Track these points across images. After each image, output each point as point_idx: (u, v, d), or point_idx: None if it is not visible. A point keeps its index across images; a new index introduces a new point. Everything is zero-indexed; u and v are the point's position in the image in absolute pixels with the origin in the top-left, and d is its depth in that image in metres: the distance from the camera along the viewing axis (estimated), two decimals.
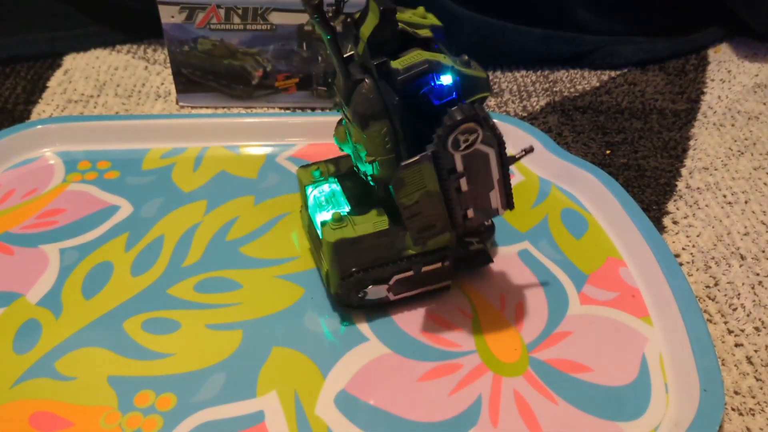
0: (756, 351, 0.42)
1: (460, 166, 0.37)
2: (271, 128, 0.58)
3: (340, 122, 0.43)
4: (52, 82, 0.66)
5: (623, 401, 0.39)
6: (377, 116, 0.38)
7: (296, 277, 0.46)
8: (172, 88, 0.66)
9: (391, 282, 0.43)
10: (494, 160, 0.37)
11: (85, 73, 0.68)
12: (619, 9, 0.72)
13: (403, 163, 0.36)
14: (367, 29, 0.37)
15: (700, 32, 0.73)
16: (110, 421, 0.37)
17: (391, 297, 0.43)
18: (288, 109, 0.64)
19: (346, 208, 0.43)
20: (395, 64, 0.37)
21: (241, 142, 0.57)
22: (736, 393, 0.40)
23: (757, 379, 0.41)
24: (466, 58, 0.38)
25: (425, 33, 0.39)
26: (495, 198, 0.39)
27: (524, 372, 0.40)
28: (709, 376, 0.39)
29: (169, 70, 0.65)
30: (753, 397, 0.40)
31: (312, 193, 0.45)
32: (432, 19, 0.41)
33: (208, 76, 0.62)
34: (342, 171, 0.46)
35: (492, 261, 0.46)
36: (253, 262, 0.47)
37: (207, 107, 0.64)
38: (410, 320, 0.43)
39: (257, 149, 0.57)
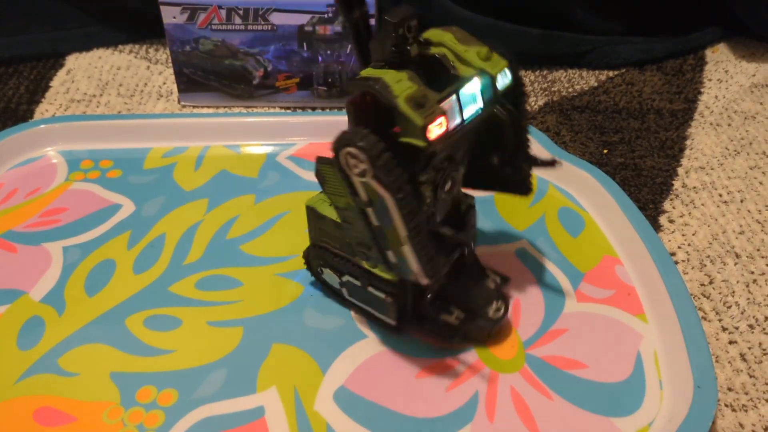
0: (750, 348, 0.43)
1: (363, 195, 0.34)
2: (271, 128, 0.58)
3: None
4: (55, 82, 0.67)
5: (618, 397, 0.39)
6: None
7: (296, 275, 0.46)
8: (174, 87, 0.66)
9: (343, 279, 0.42)
10: (394, 210, 0.33)
11: (88, 73, 0.69)
12: (617, 9, 0.73)
13: (318, 156, 0.35)
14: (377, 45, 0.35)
15: (698, 32, 0.74)
16: (113, 417, 0.38)
17: (345, 294, 0.43)
18: (288, 108, 0.64)
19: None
20: (363, 72, 0.34)
21: (242, 142, 0.58)
22: (730, 389, 0.41)
23: (751, 376, 0.41)
24: (433, 105, 0.33)
25: (465, 71, 0.36)
26: (411, 257, 0.35)
27: (521, 368, 0.41)
28: (702, 373, 0.39)
29: (171, 70, 0.66)
30: (746, 394, 0.40)
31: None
32: (494, 66, 0.37)
33: (210, 76, 0.62)
34: None
35: (451, 342, 0.42)
36: (254, 260, 0.48)
37: (208, 107, 0.64)
38: None
39: (258, 148, 0.58)
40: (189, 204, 0.52)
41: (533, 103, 0.65)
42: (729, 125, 0.62)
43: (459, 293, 0.41)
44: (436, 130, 0.33)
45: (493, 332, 0.42)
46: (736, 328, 0.44)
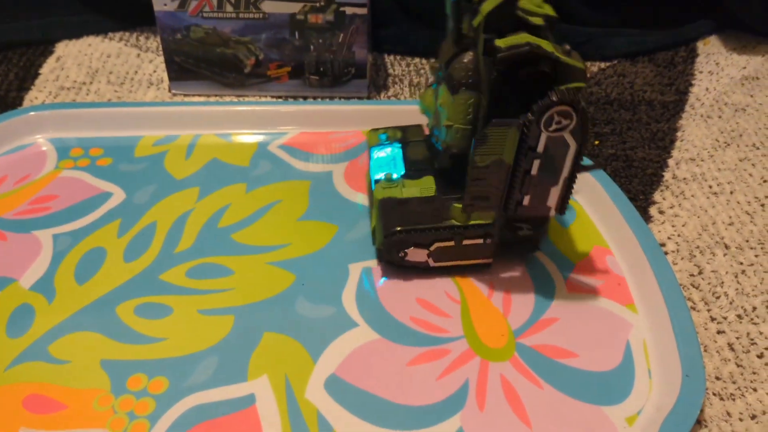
0: (738, 338, 0.43)
1: (541, 147, 0.38)
2: (263, 116, 0.58)
3: (430, 85, 0.45)
4: (45, 69, 0.67)
5: (608, 386, 0.40)
6: (469, 86, 0.40)
7: (288, 264, 0.46)
8: (165, 75, 0.66)
9: (432, 248, 0.44)
10: (571, 157, 0.39)
11: (78, 61, 0.68)
12: (610, 1, 0.73)
13: (494, 120, 0.38)
14: (488, 6, 0.37)
15: (689, 24, 0.74)
16: (103, 404, 0.38)
17: (431, 263, 0.45)
18: (280, 97, 0.64)
19: (402, 172, 0.46)
20: (499, 43, 0.37)
21: (233, 130, 0.58)
22: (718, 378, 0.41)
23: (738, 365, 0.42)
24: (568, 47, 0.38)
25: (537, 21, 0.38)
26: (553, 196, 0.40)
27: (511, 357, 0.41)
28: (691, 362, 0.39)
29: (162, 58, 0.66)
30: (734, 383, 0.41)
31: (376, 154, 0.48)
32: (547, 9, 0.40)
33: (201, 64, 0.62)
34: (408, 139, 0.49)
35: (539, 249, 0.47)
36: (245, 248, 0.48)
37: (199, 95, 0.64)
38: (400, 306, 0.44)
39: (249, 137, 0.57)
40: (180, 192, 0.52)
41: None
42: (719, 117, 0.63)
43: None
44: None
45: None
46: (725, 318, 0.44)
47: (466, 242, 0.44)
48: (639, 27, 0.73)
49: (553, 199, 0.41)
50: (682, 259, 0.48)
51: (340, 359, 0.41)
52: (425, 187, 0.45)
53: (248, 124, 0.58)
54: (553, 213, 0.41)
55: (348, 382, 0.40)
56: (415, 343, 0.42)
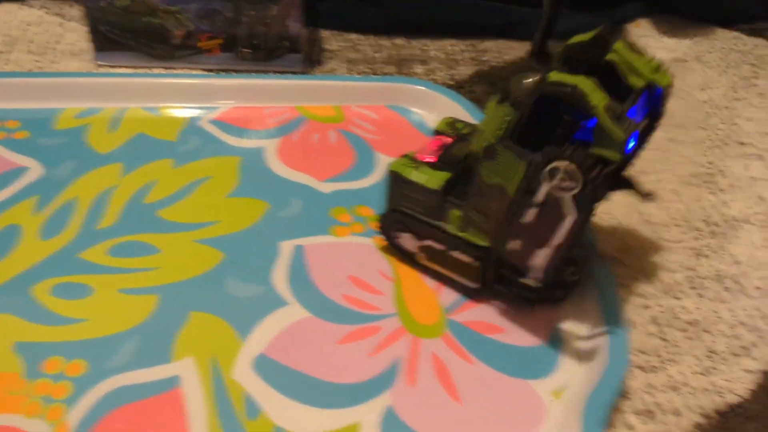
0: (662, 312, 0.44)
1: (540, 196, 0.35)
2: (193, 90, 0.56)
3: None
4: None
5: (535, 360, 0.40)
6: (514, 103, 0.36)
7: (217, 242, 0.45)
8: (89, 46, 0.63)
9: (423, 243, 0.43)
10: (568, 225, 0.35)
11: None
12: None
13: (506, 141, 0.35)
14: (574, 39, 0.36)
15: (621, 7, 0.75)
16: (16, 389, 0.36)
17: (421, 260, 0.44)
18: (211, 71, 0.62)
19: (433, 159, 0.43)
20: (554, 76, 0.34)
21: (161, 104, 0.56)
22: (642, 352, 0.42)
23: (662, 339, 0.43)
24: (620, 110, 0.34)
25: (636, 81, 0.36)
26: (540, 259, 0.37)
27: (442, 334, 0.41)
28: (615, 337, 0.40)
29: (86, 28, 0.62)
30: (657, 356, 0.42)
31: (434, 138, 0.45)
32: (663, 78, 0.37)
33: (127, 34, 0.59)
34: (467, 134, 0.45)
35: (533, 305, 0.42)
36: (172, 226, 0.46)
37: (126, 67, 0.61)
38: (331, 284, 0.43)
39: (178, 111, 0.55)
40: (103, 168, 0.49)
41: (463, 72, 0.65)
42: None
43: None
44: (627, 145, 0.33)
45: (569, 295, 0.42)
46: (651, 294, 0.45)
47: (453, 254, 0.42)
48: (571, 8, 0.74)
49: (539, 261, 0.38)
50: (611, 234, 0.49)
51: (269, 338, 0.40)
52: (435, 178, 0.41)
53: (177, 98, 0.56)
54: (533, 280, 0.38)
55: (277, 362, 0.39)
56: (346, 321, 0.41)
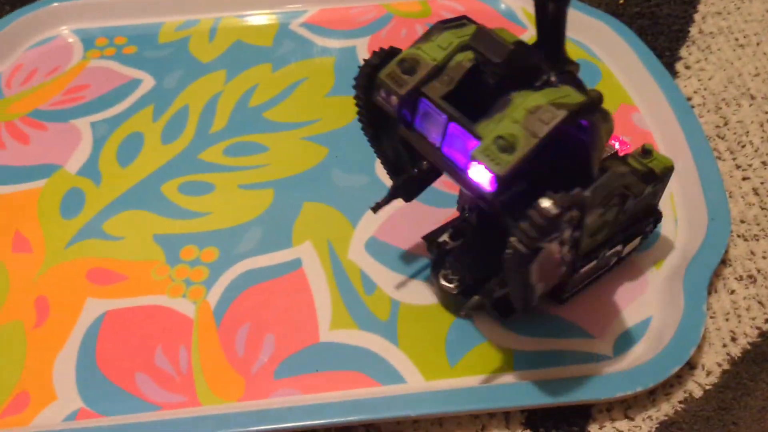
0: (762, 183, 0.44)
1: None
2: None
3: None
4: None
5: None
6: None
7: (320, 138, 0.48)
8: None
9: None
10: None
11: None
12: None
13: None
14: None
15: None
16: (160, 273, 0.41)
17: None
18: None
19: None
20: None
21: (253, 11, 0.57)
22: (742, 221, 0.42)
23: (762, 209, 0.43)
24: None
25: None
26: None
27: None
28: (716, 207, 0.41)
29: None
30: (758, 225, 0.42)
31: None
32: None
33: None
34: None
35: (505, 317, 0.38)
36: (278, 125, 0.49)
37: None
38: None
39: (269, 17, 0.57)
40: (208, 75, 0.52)
41: None
42: None
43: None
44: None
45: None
46: (750, 166, 0.45)
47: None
48: None
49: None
50: (708, 111, 0.49)
51: (378, 223, 0.43)
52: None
53: (267, 4, 0.57)
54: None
55: (387, 243, 0.42)
56: (446, 205, 0.43)
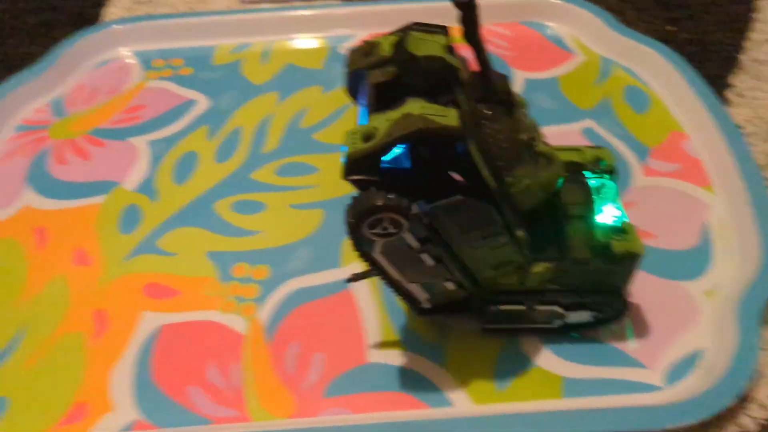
0: None
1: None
2: (331, 20, 0.59)
3: None
4: None
5: (686, 263, 0.41)
6: None
7: None
8: None
9: None
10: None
11: None
12: None
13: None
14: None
15: None
16: (213, 290, 0.42)
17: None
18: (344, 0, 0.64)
19: None
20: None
21: (304, 35, 0.59)
22: None
23: None
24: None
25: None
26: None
27: None
28: None
29: None
30: None
31: None
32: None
33: None
34: None
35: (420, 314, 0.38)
36: (327, 147, 0.50)
37: (268, 3, 0.65)
38: None
39: (319, 41, 0.59)
40: (260, 97, 0.54)
41: None
42: None
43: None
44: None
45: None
46: None
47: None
48: None
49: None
50: (761, 140, 0.48)
51: None
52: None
53: (318, 28, 0.59)
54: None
55: None
56: None
